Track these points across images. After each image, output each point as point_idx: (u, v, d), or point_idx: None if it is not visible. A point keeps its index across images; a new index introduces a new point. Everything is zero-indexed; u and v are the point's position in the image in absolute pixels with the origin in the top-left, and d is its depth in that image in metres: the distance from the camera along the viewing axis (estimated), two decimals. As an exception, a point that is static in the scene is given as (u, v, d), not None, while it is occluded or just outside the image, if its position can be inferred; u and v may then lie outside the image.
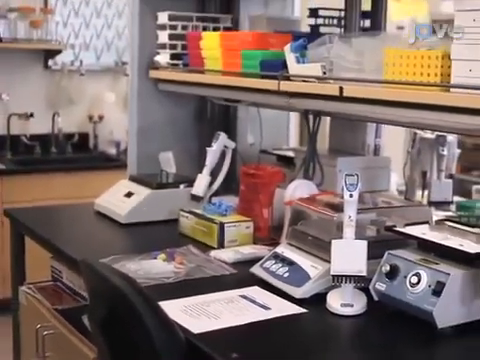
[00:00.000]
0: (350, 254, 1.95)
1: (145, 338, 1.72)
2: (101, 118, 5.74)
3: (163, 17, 3.28)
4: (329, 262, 2.00)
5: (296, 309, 2.01)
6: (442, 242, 1.93)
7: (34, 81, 5.51)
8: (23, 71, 5.44)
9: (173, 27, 3.27)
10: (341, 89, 2.29)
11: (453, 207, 3.00)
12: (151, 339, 1.70)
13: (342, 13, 2.94)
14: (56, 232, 2.87)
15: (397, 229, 2.06)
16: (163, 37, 3.29)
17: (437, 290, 1.81)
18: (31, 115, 5.37)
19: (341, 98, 2.32)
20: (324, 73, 2.39)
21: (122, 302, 1.76)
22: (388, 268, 1.94)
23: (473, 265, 1.84)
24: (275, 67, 2.58)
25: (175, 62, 3.27)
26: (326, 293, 2.04)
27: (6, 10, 5.16)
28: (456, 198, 3.10)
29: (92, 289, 1.98)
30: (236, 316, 1.95)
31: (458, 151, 3.09)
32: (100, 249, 2.58)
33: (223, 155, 2.98)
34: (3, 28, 5.15)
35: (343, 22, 2.92)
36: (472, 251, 1.84)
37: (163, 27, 3.29)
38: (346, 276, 1.95)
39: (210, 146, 2.93)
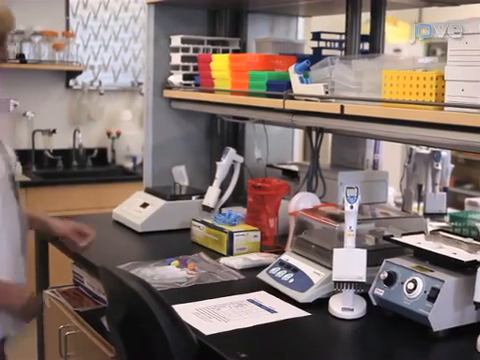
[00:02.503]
0: (350, 262, 1.95)
1: (159, 338, 1.72)
2: (118, 134, 5.74)
3: (176, 40, 3.29)
4: (331, 269, 2.00)
5: (300, 313, 2.01)
6: (437, 251, 1.93)
7: (56, 100, 5.52)
8: (46, 90, 5.45)
9: (185, 49, 3.27)
10: (342, 107, 2.29)
11: (447, 218, 3.00)
12: (165, 340, 1.70)
13: (343, 37, 2.94)
14: (77, 240, 2.87)
15: (394, 238, 2.06)
16: (176, 59, 3.30)
17: (432, 296, 1.80)
18: (54, 131, 5.38)
19: (342, 116, 2.32)
20: (326, 92, 2.40)
21: (138, 305, 1.76)
22: (386, 275, 1.94)
23: (466, 272, 1.84)
24: (280, 87, 2.58)
25: (187, 82, 3.28)
26: (328, 298, 2.03)
27: (31, 34, 5.17)
28: (450, 210, 3.10)
29: (111, 293, 1.98)
30: (244, 319, 1.95)
31: (451, 166, 3.09)
32: (118, 256, 2.58)
33: (232, 169, 2.98)
34: (28, 50, 5.17)
35: (344, 45, 2.92)
36: (465, 259, 1.84)
37: (176, 49, 3.30)
38: (347, 282, 1.95)
39: (220, 160, 2.94)
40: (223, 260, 2.50)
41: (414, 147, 2.99)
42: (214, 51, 3.33)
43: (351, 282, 1.95)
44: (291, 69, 2.52)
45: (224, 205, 3.00)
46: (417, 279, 1.86)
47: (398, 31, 5.48)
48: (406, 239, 2.04)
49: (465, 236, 2.07)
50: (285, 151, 3.73)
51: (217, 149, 3.40)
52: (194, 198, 3.02)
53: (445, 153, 3.02)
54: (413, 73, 2.06)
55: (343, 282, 1.95)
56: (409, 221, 2.39)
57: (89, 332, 2.50)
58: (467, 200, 3.33)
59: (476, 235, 1.87)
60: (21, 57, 5.08)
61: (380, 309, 1.96)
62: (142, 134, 3.57)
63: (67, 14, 5.49)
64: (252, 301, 2.09)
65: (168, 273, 2.32)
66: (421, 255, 1.96)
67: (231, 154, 2.94)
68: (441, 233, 2.08)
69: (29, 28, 5.15)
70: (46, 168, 5.40)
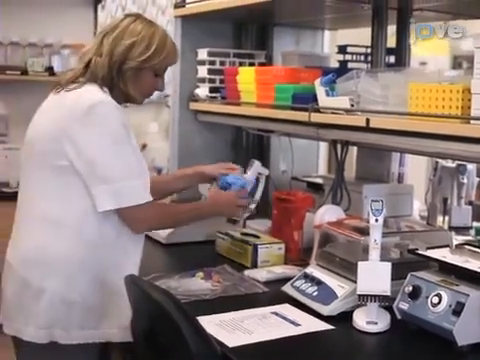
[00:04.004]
0: (375, 275, 1.94)
1: (183, 350, 1.71)
2: (145, 146, 5.75)
3: (203, 53, 3.31)
4: (355, 282, 1.99)
5: (324, 326, 2.00)
6: (462, 265, 1.91)
7: (84, 112, 5.55)
8: (74, 102, 5.49)
9: (212, 62, 3.29)
10: (368, 120, 2.29)
11: (472, 232, 2.97)
12: (189, 351, 1.70)
13: (369, 50, 2.94)
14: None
15: (419, 252, 2.05)
16: (202, 72, 3.31)
17: (457, 310, 1.79)
18: (81, 143, 5.41)
19: (367, 129, 2.31)
20: (352, 105, 2.39)
21: (162, 316, 1.76)
22: (411, 288, 1.92)
23: (491, 287, 1.82)
24: (306, 100, 2.58)
25: (213, 95, 3.29)
26: (352, 311, 2.03)
27: (60, 47, 5.23)
28: (475, 223, 3.07)
29: (136, 304, 1.98)
30: (268, 331, 1.95)
31: (477, 179, 3.06)
32: (143, 267, 2.56)
33: (257, 181, 2.97)
34: (57, 63, 5.21)
35: (370, 58, 2.92)
36: (490, 273, 1.83)
37: (202, 62, 3.31)
38: (371, 295, 1.94)
39: (245, 173, 2.93)
40: (247, 272, 2.50)
41: (439, 160, 2.97)
42: (240, 64, 3.34)
43: (375, 295, 1.94)
44: (317, 82, 2.52)
45: (249, 217, 2.99)
46: (442, 293, 1.85)
47: (424, 43, 5.47)
48: (431, 253, 2.03)
49: (491, 250, 2.05)
50: (310, 164, 3.73)
51: (242, 161, 3.38)
52: (219, 210, 3.01)
53: (471, 166, 2.99)
54: (439, 86, 2.05)
55: (367, 295, 1.94)
56: (434, 235, 2.38)
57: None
58: (493, 214, 3.29)
59: (502, 249, 1.86)
60: (50, 70, 5.13)
61: (404, 323, 1.95)
62: (168, 146, 3.58)
63: (96, 27, 5.53)
64: (276, 314, 2.09)
65: (193, 285, 2.33)
66: (446, 269, 1.95)
67: (256, 166, 2.93)
68: (467, 247, 2.06)
69: (58, 41, 5.20)
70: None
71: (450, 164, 2.98)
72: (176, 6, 3.37)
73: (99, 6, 5.51)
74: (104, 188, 2.01)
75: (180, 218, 2.32)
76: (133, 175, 2.05)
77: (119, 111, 2.08)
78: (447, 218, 3.01)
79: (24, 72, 5.03)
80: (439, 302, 1.84)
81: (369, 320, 1.96)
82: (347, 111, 2.41)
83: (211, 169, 2.61)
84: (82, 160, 2.01)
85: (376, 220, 1.97)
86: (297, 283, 2.23)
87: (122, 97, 2.18)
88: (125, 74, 2.13)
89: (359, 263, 1.97)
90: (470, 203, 3.02)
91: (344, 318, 2.02)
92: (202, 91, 3.32)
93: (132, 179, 2.04)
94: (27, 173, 2.14)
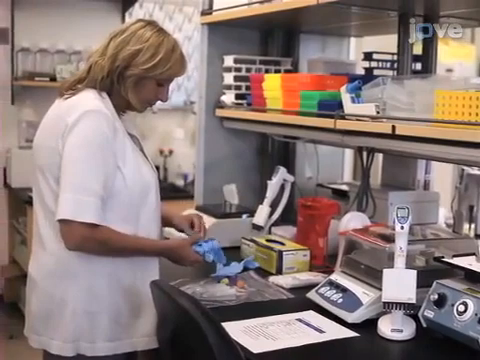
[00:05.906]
0: (400, 282, 1.93)
1: (207, 355, 1.72)
2: (171, 152, 5.79)
3: (229, 60, 3.31)
4: (380, 290, 1.98)
5: (348, 333, 1.99)
6: (488, 273, 1.90)
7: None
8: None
9: (238, 69, 3.29)
10: (393, 128, 2.28)
11: (499, 240, 2.94)
12: (213, 357, 1.70)
13: (395, 57, 2.93)
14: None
15: (445, 260, 2.03)
16: (229, 79, 3.32)
17: (483, 318, 1.77)
18: (107, 149, 5.44)
19: (393, 136, 2.30)
20: (378, 112, 2.38)
21: (188, 321, 1.76)
22: (436, 296, 1.91)
23: (518, 295, 1.80)
24: (332, 107, 2.58)
25: (239, 102, 3.29)
26: (377, 319, 2.01)
27: (88, 54, 5.27)
28: (502, 231, 3.04)
29: (161, 309, 1.99)
30: (292, 338, 1.94)
31: (504, 187, 3.03)
32: (169, 273, 2.58)
33: (282, 188, 2.97)
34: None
35: (396, 65, 2.91)
36: (517, 282, 1.81)
37: (229, 69, 3.32)
38: (396, 303, 1.93)
39: (270, 179, 2.94)
40: (272, 279, 2.50)
41: (466, 168, 2.95)
42: (266, 71, 3.34)
43: (401, 303, 1.92)
44: (343, 89, 2.52)
45: (274, 224, 2.99)
46: (468, 301, 1.83)
47: (450, 50, 5.43)
48: (457, 261, 2.01)
49: (518, 259, 2.03)
50: (335, 170, 3.72)
51: (268, 168, 3.40)
52: (244, 216, 3.02)
53: (498, 174, 2.96)
54: (465, 93, 2.04)
55: (393, 303, 1.93)
56: (460, 242, 2.36)
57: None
58: (520, 222, 3.25)
59: None
60: (77, 76, 5.17)
61: (430, 331, 1.94)
62: (194, 152, 3.59)
63: (123, 34, 5.57)
64: (300, 320, 2.08)
65: (217, 291, 2.33)
66: (472, 277, 1.93)
67: (282, 173, 2.94)
68: (493, 255, 2.04)
69: (86, 48, 5.24)
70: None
71: (476, 171, 2.96)
72: (203, 13, 3.38)
73: (127, 13, 5.55)
74: (60, 197, 1.97)
75: (122, 252, 2.08)
76: (80, 190, 1.95)
77: (106, 123, 2.00)
78: (473, 226, 2.98)
79: (53, 79, 5.08)
80: (465, 310, 1.82)
81: (394, 328, 1.95)
82: (373, 118, 2.40)
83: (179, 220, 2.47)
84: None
85: (402, 227, 1.96)
86: (322, 290, 2.22)
87: (122, 103, 2.14)
88: (127, 80, 2.09)
89: (384, 270, 1.96)
90: (497, 211, 2.99)
91: (369, 325, 2.01)
92: (228, 98, 3.33)
93: (78, 194, 1.95)
94: (36, 185, 2.11)
